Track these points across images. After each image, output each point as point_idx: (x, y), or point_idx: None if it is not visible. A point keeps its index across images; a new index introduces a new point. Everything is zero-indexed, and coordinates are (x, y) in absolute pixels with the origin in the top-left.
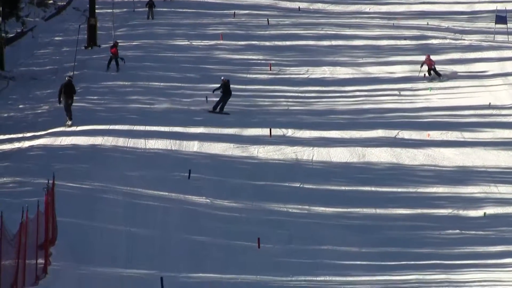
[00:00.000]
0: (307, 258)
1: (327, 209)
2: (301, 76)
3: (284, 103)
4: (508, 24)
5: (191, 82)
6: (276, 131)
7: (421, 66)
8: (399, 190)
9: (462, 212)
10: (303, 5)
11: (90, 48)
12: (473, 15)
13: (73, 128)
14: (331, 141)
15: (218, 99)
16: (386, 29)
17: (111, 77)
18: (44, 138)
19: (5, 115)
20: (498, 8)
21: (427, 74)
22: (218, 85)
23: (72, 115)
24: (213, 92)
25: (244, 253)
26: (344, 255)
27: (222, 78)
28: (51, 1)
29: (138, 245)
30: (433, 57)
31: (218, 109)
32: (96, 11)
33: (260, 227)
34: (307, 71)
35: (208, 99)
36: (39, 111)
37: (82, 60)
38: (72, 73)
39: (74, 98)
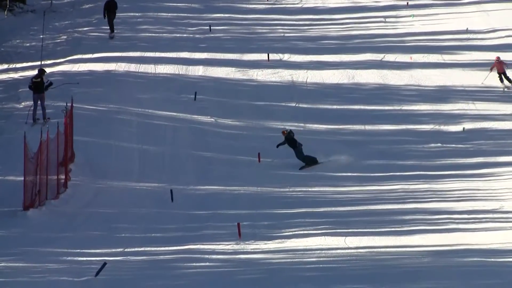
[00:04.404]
0: (303, 170)
1: (321, 126)
2: (295, 5)
3: (280, 30)
4: None
5: (196, 12)
6: (274, 56)
7: (491, 70)
8: (386, 108)
9: (443, 127)
10: None
11: None
12: None
13: (89, 55)
14: (323, 65)
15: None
16: None
17: (123, 9)
18: (63, 65)
19: (28, 44)
20: None
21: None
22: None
23: (114, 28)
24: (277, 147)
25: (246, 166)
26: (336, 167)
27: (282, 130)
28: None
29: (149, 160)
30: None
31: (306, 163)
32: None
33: (260, 143)
34: (301, 1)
35: (211, 28)
36: (58, 40)
37: None
38: None
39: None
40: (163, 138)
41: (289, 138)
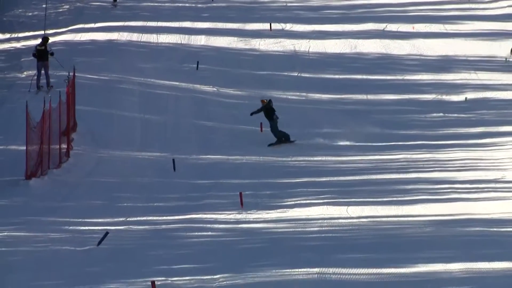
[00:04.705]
0: (306, 140)
1: (323, 95)
2: None
3: (282, 0)
4: None
5: None
6: (276, 26)
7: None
8: (388, 77)
9: (445, 97)
10: None
11: None
12: None
13: (91, 25)
14: (325, 34)
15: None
16: None
17: None
18: (65, 34)
19: (30, 14)
20: None
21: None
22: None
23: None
24: (251, 115)
25: (248, 136)
26: (338, 136)
27: (260, 100)
28: None
29: (151, 130)
30: None
31: (277, 139)
32: None
33: (262, 113)
34: None
35: None
36: (60, 10)
37: None
38: None
39: None
40: (165, 108)
41: (268, 108)
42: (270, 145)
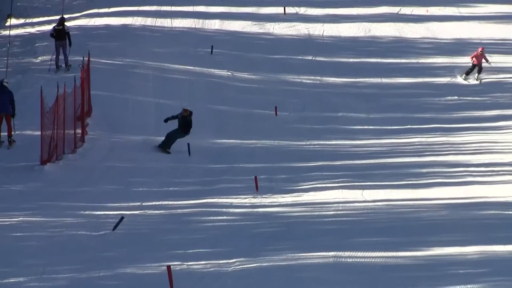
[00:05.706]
0: (320, 124)
1: (337, 79)
2: None
3: None
4: None
5: None
6: (290, 9)
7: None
8: (402, 61)
9: (460, 80)
10: None
11: None
12: None
13: (106, 10)
14: (340, 18)
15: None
16: None
17: None
18: (80, 19)
19: None
20: None
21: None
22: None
23: None
24: (165, 121)
25: (263, 120)
26: (354, 120)
27: (183, 107)
28: None
29: (166, 114)
30: None
31: (163, 144)
32: None
33: (277, 97)
34: None
35: None
36: None
37: None
38: None
39: None
40: (180, 92)
41: (186, 121)
42: (158, 145)
